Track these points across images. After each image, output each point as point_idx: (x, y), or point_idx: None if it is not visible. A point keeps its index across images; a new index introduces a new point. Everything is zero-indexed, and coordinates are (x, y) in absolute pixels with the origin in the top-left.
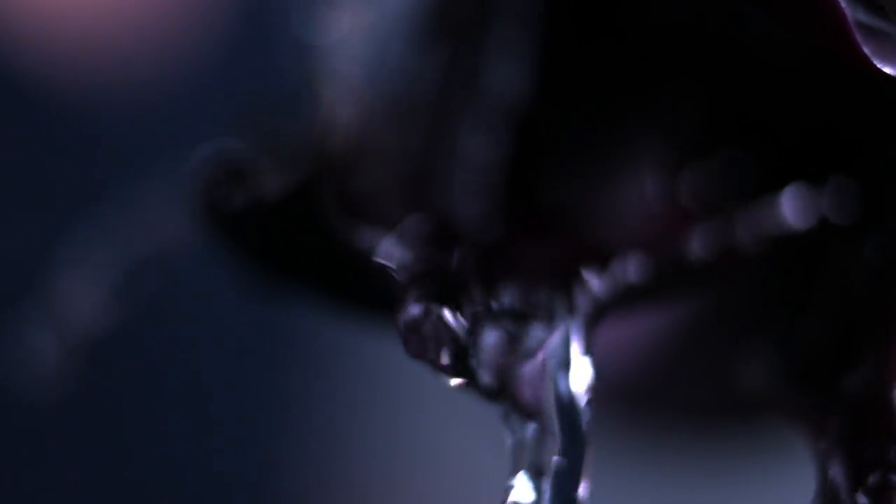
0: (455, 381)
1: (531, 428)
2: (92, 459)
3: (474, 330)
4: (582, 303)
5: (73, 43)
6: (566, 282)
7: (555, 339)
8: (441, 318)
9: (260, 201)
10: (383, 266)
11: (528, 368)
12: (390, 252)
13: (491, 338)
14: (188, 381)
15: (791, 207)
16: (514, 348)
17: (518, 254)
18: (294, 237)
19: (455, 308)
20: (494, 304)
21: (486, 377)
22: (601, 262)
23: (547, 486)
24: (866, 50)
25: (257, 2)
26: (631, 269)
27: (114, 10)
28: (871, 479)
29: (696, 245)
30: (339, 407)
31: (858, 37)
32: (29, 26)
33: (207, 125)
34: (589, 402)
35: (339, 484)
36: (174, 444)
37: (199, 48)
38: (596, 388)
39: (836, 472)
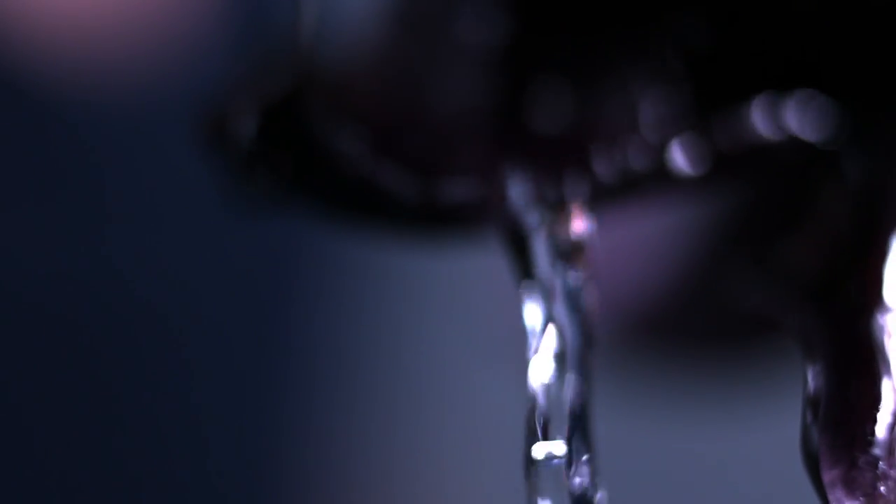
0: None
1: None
2: (89, 457)
3: None
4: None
5: (72, 43)
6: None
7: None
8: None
9: (251, 114)
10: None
11: None
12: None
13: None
14: (184, 377)
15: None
16: None
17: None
18: (285, 147)
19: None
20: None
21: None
22: (586, 159)
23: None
24: None
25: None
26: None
27: (113, 10)
28: (856, 396)
29: (677, 156)
30: (338, 402)
31: None
32: (29, 26)
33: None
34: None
35: (338, 483)
36: (171, 442)
37: (199, 48)
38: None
39: (822, 390)
